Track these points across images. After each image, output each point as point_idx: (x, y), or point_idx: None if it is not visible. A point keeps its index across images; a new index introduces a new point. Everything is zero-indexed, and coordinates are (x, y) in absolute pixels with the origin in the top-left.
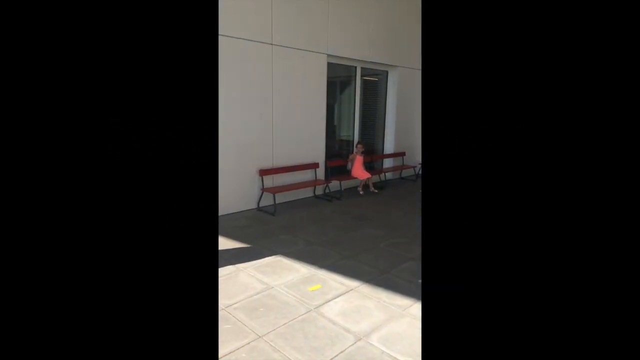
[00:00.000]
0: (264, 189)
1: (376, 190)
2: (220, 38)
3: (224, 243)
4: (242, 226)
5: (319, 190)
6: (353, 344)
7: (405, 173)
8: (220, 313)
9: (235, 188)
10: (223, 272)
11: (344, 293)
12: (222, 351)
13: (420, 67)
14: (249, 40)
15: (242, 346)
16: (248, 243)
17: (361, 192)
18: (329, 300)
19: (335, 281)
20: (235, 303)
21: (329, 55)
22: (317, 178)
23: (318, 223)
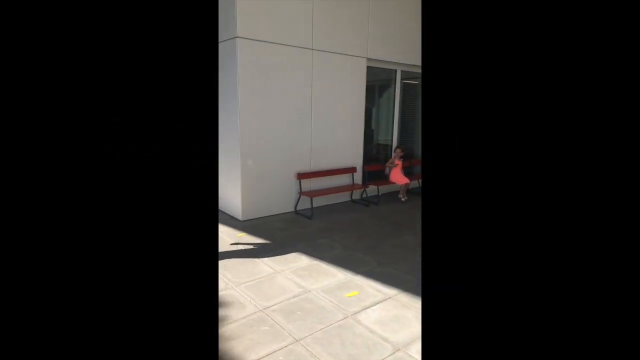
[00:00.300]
0: (301, 193)
1: (405, 198)
2: (261, 44)
3: (262, 245)
4: (279, 229)
5: (356, 195)
6: (391, 354)
7: None
8: (259, 314)
9: (274, 191)
10: (261, 273)
11: (382, 301)
12: (260, 353)
13: None
14: (290, 45)
15: (280, 349)
16: (285, 246)
17: (403, 199)
18: (366, 308)
19: (372, 288)
20: (273, 305)
21: (368, 59)
22: (355, 182)
23: (355, 228)
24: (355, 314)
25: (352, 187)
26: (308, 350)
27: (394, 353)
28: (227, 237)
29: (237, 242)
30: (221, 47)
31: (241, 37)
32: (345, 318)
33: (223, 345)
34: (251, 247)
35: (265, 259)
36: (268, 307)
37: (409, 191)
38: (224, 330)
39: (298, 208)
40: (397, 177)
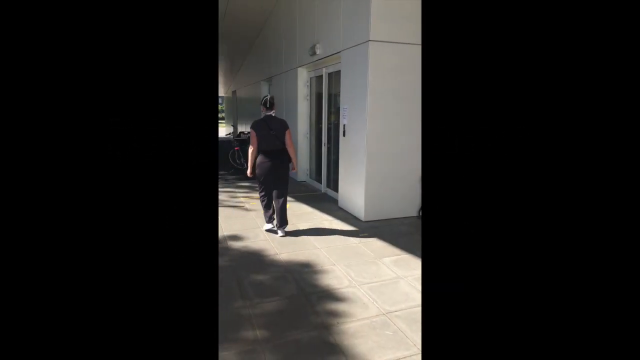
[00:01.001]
0: None
1: None
2: (391, 45)
3: (385, 247)
4: (402, 233)
5: None
6: None
7: None
8: (382, 318)
9: (397, 194)
10: (383, 276)
11: None
12: (383, 357)
13: None
14: (420, 45)
15: (404, 357)
16: (408, 251)
17: None
18: None
19: None
20: (396, 311)
21: None
22: None
23: None
24: None
25: None
26: None
27: None
28: (350, 237)
29: (360, 242)
30: (352, 51)
31: (373, 40)
32: None
33: (347, 342)
34: (374, 248)
35: (388, 263)
36: (391, 312)
37: None
38: (348, 327)
39: (421, 213)
40: None
